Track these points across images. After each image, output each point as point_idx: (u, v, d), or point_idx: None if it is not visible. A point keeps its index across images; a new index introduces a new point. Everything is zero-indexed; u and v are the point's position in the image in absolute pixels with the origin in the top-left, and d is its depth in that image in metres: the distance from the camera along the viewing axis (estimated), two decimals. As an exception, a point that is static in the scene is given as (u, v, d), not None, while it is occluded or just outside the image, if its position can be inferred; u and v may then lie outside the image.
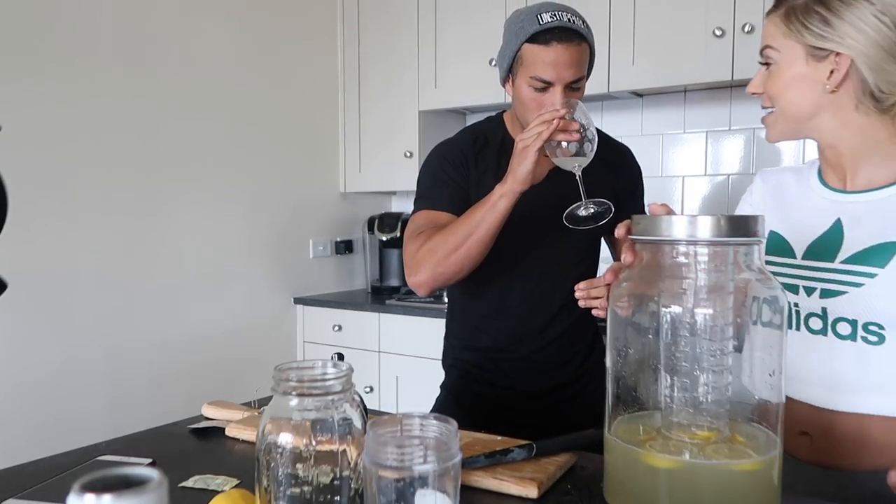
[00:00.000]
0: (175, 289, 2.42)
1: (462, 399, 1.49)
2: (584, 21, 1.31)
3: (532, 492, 0.86)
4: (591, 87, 2.39)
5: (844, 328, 0.94)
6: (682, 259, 0.78)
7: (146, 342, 2.33)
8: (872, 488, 0.90)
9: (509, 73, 1.35)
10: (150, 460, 0.98)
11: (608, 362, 0.83)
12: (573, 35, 1.27)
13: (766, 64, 0.98)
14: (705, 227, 0.75)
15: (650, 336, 0.79)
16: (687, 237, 0.76)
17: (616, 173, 1.47)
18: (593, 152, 1.23)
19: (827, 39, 0.90)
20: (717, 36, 2.19)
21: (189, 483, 0.90)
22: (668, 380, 0.78)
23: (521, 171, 1.22)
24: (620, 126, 2.61)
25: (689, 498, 0.74)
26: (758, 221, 0.76)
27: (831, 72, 0.91)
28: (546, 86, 1.29)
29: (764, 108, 1.01)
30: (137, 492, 0.44)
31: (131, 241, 2.29)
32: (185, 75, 2.43)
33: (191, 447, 1.07)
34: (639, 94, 2.62)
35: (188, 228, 2.47)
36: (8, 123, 1.84)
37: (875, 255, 0.92)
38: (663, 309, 0.78)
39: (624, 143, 1.56)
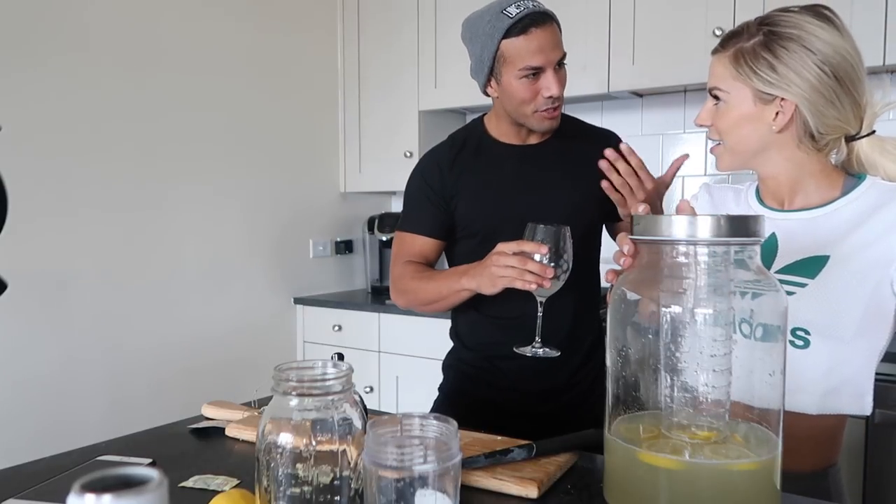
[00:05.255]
0: (175, 289, 2.43)
1: (459, 401, 1.49)
2: (541, 3, 1.34)
3: (532, 492, 0.86)
4: (591, 87, 2.42)
5: (744, 327, 0.97)
6: (682, 259, 0.78)
7: (146, 342, 2.33)
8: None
9: (491, 76, 1.37)
10: (150, 460, 0.98)
11: (608, 362, 0.83)
12: (545, 17, 1.30)
13: (716, 98, 1.04)
14: (705, 227, 0.75)
15: (650, 336, 0.79)
16: (687, 237, 0.76)
17: None
18: (562, 283, 1.19)
19: (774, 85, 0.96)
20: (717, 36, 2.18)
21: (189, 483, 0.90)
22: (668, 380, 0.78)
23: (486, 289, 1.24)
24: (620, 126, 2.61)
25: (689, 498, 0.74)
26: (758, 221, 0.76)
27: (776, 114, 0.98)
28: (537, 71, 1.31)
29: (710, 139, 1.08)
30: (137, 492, 0.44)
31: (131, 242, 2.29)
32: (184, 75, 2.43)
33: (191, 447, 1.07)
34: (639, 94, 2.62)
35: (188, 229, 2.47)
36: (7, 123, 1.84)
37: (806, 267, 0.99)
38: (663, 309, 0.78)
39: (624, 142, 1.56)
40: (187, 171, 2.46)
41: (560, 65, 1.34)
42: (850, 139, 1.02)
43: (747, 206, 1.11)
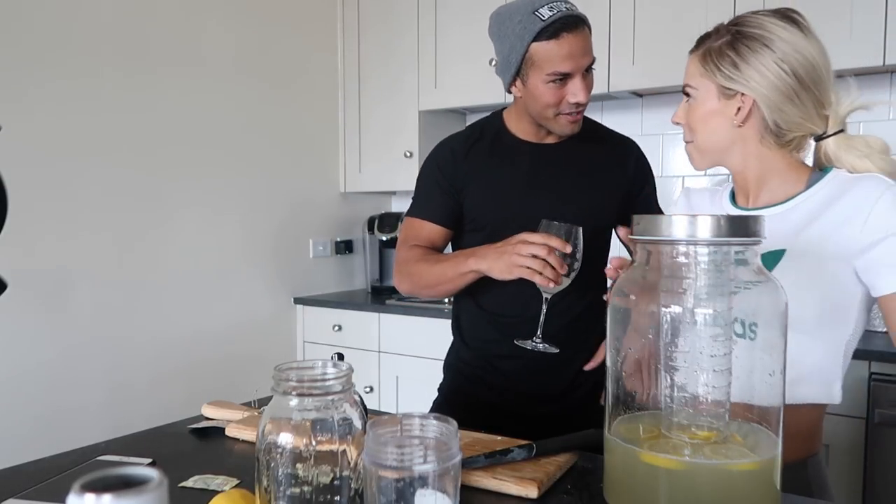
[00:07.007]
0: (175, 289, 2.43)
1: (458, 402, 1.48)
2: (574, 4, 1.31)
3: (532, 492, 0.86)
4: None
5: (738, 327, 1.00)
6: (682, 259, 0.78)
7: (146, 342, 2.33)
8: None
9: (517, 77, 1.34)
10: (150, 460, 0.98)
11: (608, 362, 0.83)
12: (577, 21, 1.27)
13: (687, 95, 1.09)
14: (705, 227, 0.75)
15: (650, 336, 0.79)
16: (687, 237, 0.76)
17: (622, 167, 1.47)
18: (570, 281, 1.19)
19: (735, 81, 1.01)
20: (717, 36, 2.18)
21: (189, 483, 0.90)
22: (668, 380, 0.78)
23: (498, 274, 1.22)
24: (620, 126, 2.60)
25: (688, 498, 0.74)
26: (758, 221, 0.76)
27: (738, 109, 1.03)
28: (564, 77, 1.29)
29: (685, 141, 1.12)
30: (137, 492, 0.44)
31: (131, 241, 2.29)
32: (185, 76, 2.43)
33: (191, 447, 1.07)
34: (639, 94, 2.62)
35: (188, 228, 2.47)
36: (7, 122, 1.84)
37: (765, 262, 1.00)
38: (663, 309, 0.78)
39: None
40: (187, 171, 2.45)
41: (588, 70, 1.31)
42: (819, 138, 1.05)
43: (720, 206, 1.14)
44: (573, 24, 1.26)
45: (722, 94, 1.03)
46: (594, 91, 2.45)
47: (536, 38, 1.26)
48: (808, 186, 1.03)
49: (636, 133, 2.66)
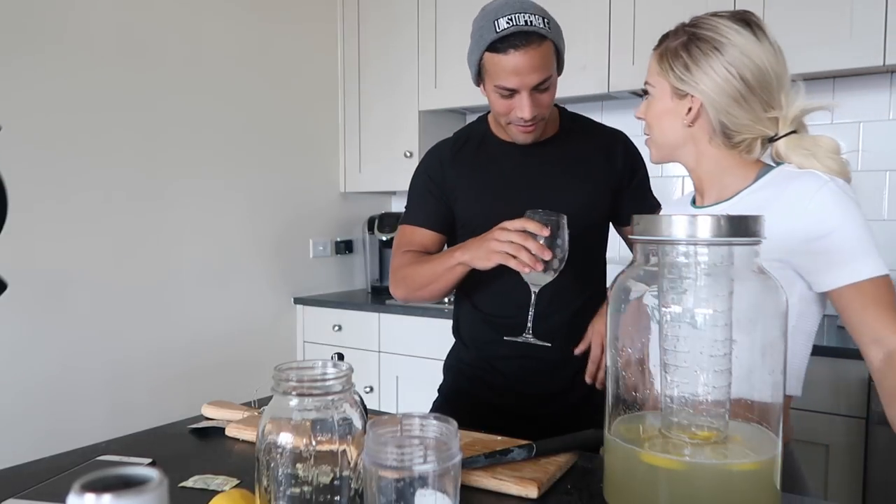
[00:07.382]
0: (175, 289, 2.43)
1: (458, 403, 1.48)
2: (544, 18, 1.26)
3: (532, 492, 0.86)
4: (592, 87, 2.42)
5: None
6: (682, 259, 0.78)
7: (146, 342, 2.33)
8: None
9: (479, 79, 1.36)
10: (150, 460, 0.98)
11: (608, 362, 0.83)
12: (532, 37, 1.23)
13: (646, 92, 1.12)
14: (705, 227, 0.75)
15: (650, 336, 0.79)
16: (687, 237, 0.76)
17: (610, 159, 1.47)
18: (556, 274, 1.18)
19: (685, 82, 1.04)
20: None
21: (189, 483, 0.90)
22: (668, 380, 0.78)
23: (479, 263, 1.22)
24: (620, 126, 2.62)
25: (688, 498, 0.75)
26: (758, 221, 0.76)
27: (689, 109, 1.06)
28: (512, 92, 1.28)
29: (644, 134, 1.15)
30: (137, 492, 0.44)
31: (132, 241, 2.29)
32: (184, 76, 2.43)
33: (191, 447, 1.07)
34: (639, 94, 2.62)
35: (188, 229, 2.47)
36: (7, 122, 1.84)
37: None
38: (663, 309, 0.78)
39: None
40: (187, 172, 2.45)
41: (541, 88, 1.28)
42: (771, 140, 1.06)
43: (683, 208, 1.17)
44: (524, 40, 1.23)
45: (675, 94, 1.06)
46: (594, 91, 2.48)
47: (489, 49, 1.27)
48: (755, 182, 1.05)
49: (636, 133, 2.65)
